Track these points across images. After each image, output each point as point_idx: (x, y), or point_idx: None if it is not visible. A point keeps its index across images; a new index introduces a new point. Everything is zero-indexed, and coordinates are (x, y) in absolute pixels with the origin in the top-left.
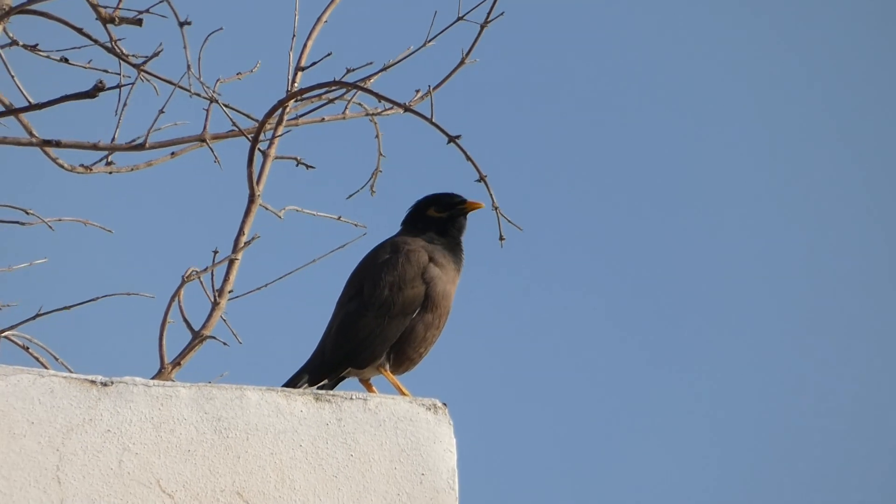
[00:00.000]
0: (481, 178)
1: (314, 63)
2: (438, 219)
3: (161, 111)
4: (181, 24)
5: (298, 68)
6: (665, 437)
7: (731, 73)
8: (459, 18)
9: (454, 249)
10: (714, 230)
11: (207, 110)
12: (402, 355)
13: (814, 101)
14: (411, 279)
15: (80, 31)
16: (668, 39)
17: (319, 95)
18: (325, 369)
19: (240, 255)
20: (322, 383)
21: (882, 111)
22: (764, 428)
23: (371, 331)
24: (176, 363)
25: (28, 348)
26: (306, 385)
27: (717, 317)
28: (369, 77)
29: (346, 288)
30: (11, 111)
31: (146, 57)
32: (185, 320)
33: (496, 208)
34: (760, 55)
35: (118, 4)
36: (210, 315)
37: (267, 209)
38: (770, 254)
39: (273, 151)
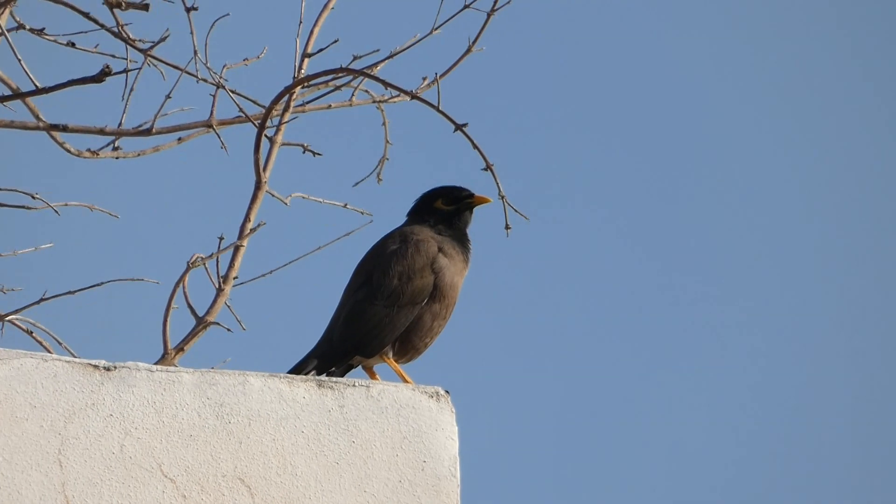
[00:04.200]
0: (488, 167)
1: (321, 50)
2: (445, 211)
3: (168, 96)
4: (188, 10)
5: (305, 55)
6: (669, 431)
7: (744, 63)
8: (466, 6)
9: (462, 241)
10: (729, 223)
11: (214, 96)
12: (408, 344)
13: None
14: (420, 269)
15: (86, 15)
16: (676, 25)
17: (326, 82)
18: (333, 357)
19: (245, 242)
20: (330, 371)
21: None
22: (772, 430)
23: (380, 320)
24: (179, 349)
25: (32, 332)
26: (314, 372)
27: (728, 310)
28: (376, 64)
29: (354, 276)
30: (18, 95)
31: (153, 42)
32: (190, 306)
33: (503, 197)
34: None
35: None
36: (214, 301)
37: (273, 196)
38: (780, 247)
39: (280, 138)
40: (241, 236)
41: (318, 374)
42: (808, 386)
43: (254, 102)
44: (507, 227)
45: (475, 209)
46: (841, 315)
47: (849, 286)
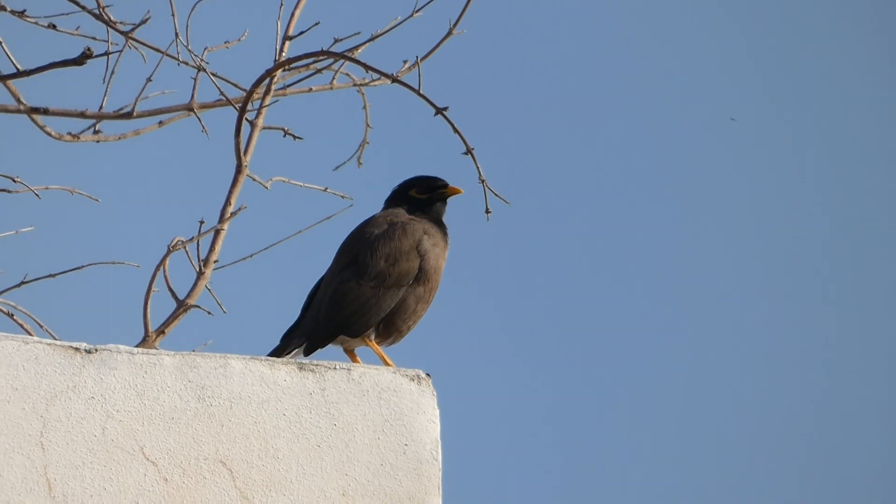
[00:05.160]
0: (468, 151)
1: (302, 32)
2: (419, 200)
3: (149, 79)
4: None
5: (286, 38)
6: (652, 420)
7: (725, 49)
8: None
9: (440, 226)
10: (706, 215)
11: (195, 79)
12: (391, 326)
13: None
14: (407, 251)
15: None
16: (659, 10)
17: (307, 65)
18: (318, 338)
19: (226, 226)
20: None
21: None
22: (766, 430)
23: (366, 300)
24: (160, 331)
25: (13, 315)
26: (299, 352)
27: (712, 301)
28: (357, 47)
29: (338, 258)
30: None
31: (134, 24)
32: (170, 289)
33: (483, 181)
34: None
35: None
36: (195, 284)
37: (254, 179)
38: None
39: (260, 121)
40: (221, 220)
41: (305, 355)
42: (801, 385)
43: (234, 86)
44: (487, 212)
45: (449, 199)
46: (842, 312)
47: (849, 283)
